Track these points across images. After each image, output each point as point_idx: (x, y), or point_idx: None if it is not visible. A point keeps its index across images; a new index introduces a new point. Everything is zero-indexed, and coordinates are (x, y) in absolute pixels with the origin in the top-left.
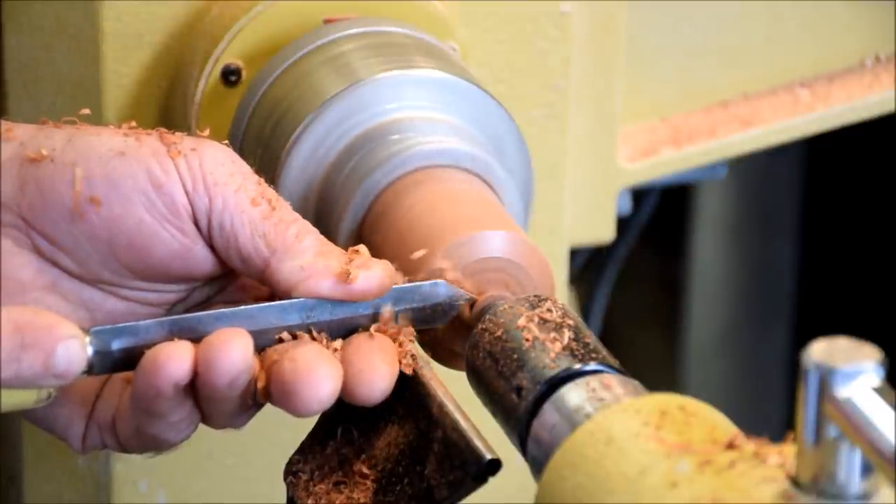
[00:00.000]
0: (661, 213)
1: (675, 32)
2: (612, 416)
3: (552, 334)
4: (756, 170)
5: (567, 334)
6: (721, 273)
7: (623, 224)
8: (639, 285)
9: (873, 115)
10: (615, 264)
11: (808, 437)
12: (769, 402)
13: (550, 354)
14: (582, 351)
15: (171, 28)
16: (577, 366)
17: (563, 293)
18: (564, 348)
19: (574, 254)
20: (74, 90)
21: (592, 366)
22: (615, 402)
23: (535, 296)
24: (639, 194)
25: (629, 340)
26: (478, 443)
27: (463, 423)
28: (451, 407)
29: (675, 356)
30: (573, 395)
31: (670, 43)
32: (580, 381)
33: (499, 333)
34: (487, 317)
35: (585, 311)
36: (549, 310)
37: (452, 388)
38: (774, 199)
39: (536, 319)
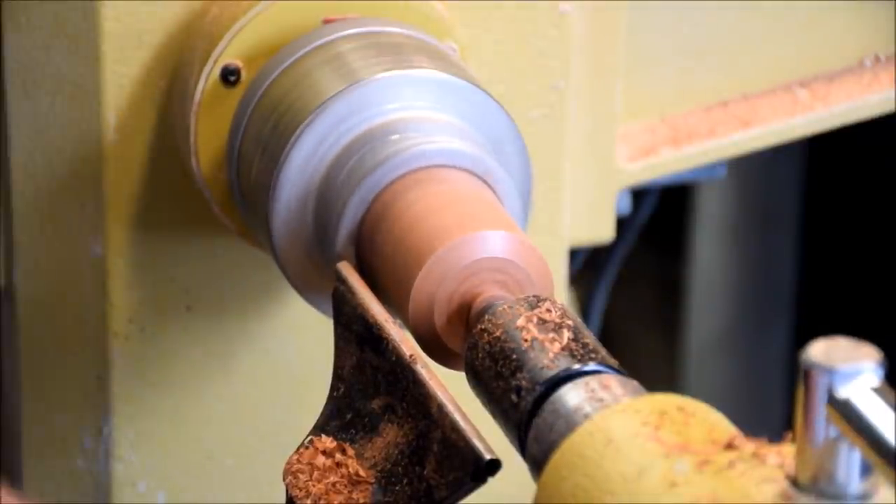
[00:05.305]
0: (660, 213)
1: (675, 32)
2: (611, 417)
3: (551, 334)
4: (756, 170)
5: (566, 334)
6: (721, 273)
7: (623, 224)
8: (639, 285)
9: (873, 115)
10: (615, 264)
11: (808, 437)
12: (769, 402)
13: (549, 355)
14: (581, 351)
15: (170, 28)
16: (577, 366)
17: (562, 293)
18: (563, 348)
19: (573, 254)
20: (74, 90)
21: (591, 366)
22: (614, 402)
23: (534, 296)
24: (638, 194)
25: (629, 340)
26: (477, 443)
27: (462, 424)
28: (450, 407)
29: (675, 356)
30: (572, 395)
31: (670, 43)
32: (579, 382)
33: (498, 334)
34: (486, 317)
35: (585, 311)
36: (548, 310)
37: (452, 388)
38: (774, 199)
39: (535, 320)
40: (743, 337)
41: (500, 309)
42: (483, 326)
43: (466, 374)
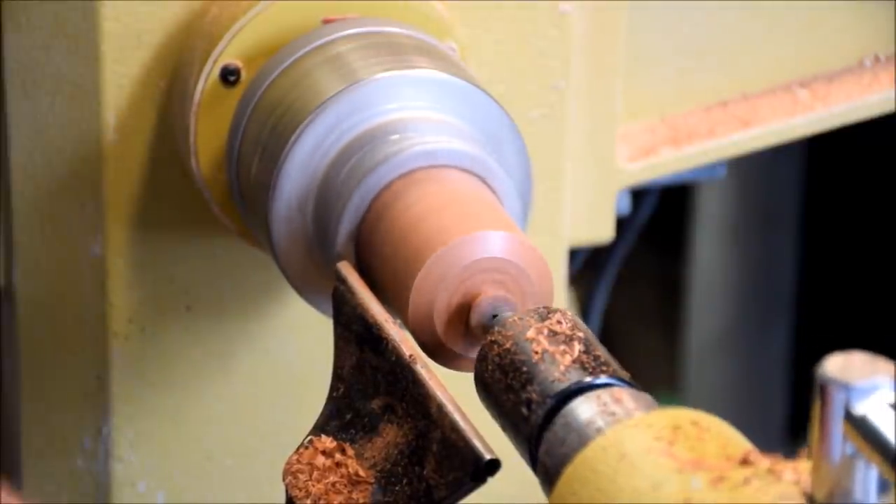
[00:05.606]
0: (660, 213)
1: (675, 32)
2: (624, 431)
3: (562, 346)
4: (756, 170)
5: (577, 346)
6: (721, 273)
7: (622, 224)
8: (639, 285)
9: (873, 115)
10: (615, 264)
11: (824, 453)
12: (769, 402)
13: (560, 367)
14: (592, 364)
15: (170, 28)
16: (588, 379)
17: (562, 293)
18: (574, 361)
19: (573, 254)
20: (73, 90)
21: (603, 379)
22: (626, 416)
23: (544, 307)
24: (638, 194)
25: (629, 340)
26: (477, 443)
27: (462, 424)
28: (450, 407)
29: (675, 356)
30: (584, 408)
31: (670, 43)
32: (591, 395)
33: (508, 346)
34: (496, 328)
35: (585, 311)
36: (558, 321)
37: (452, 388)
38: (774, 198)
39: (546, 331)
40: (743, 337)
41: (509, 320)
42: (493, 338)
43: (476, 386)
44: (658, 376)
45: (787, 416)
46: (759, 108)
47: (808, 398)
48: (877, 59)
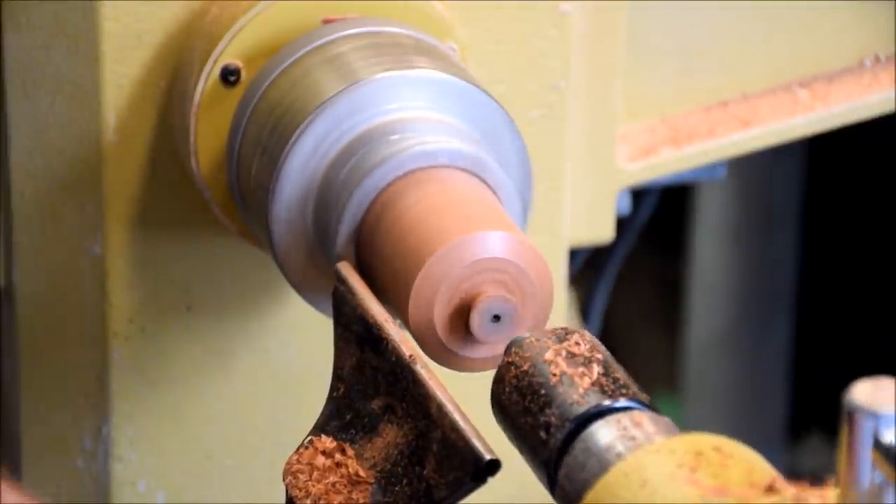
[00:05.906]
0: (660, 213)
1: (675, 32)
2: (646, 457)
3: (580, 369)
4: (756, 170)
5: (596, 369)
6: (721, 273)
7: (623, 224)
8: (639, 285)
9: (873, 116)
10: (615, 264)
11: (852, 482)
12: (769, 402)
13: (579, 390)
14: (612, 386)
15: (170, 28)
16: (607, 402)
17: (562, 293)
18: (593, 384)
19: (573, 254)
20: (73, 90)
21: (622, 402)
22: (647, 441)
23: (562, 328)
24: (638, 194)
25: (629, 340)
26: (477, 443)
27: (462, 424)
28: (450, 407)
29: (675, 356)
30: (603, 432)
31: (670, 43)
32: (610, 419)
33: (525, 367)
34: (513, 350)
35: (585, 311)
36: (576, 343)
37: (452, 389)
38: (775, 198)
39: (564, 353)
40: (743, 336)
41: (527, 341)
42: (510, 360)
43: (492, 408)
44: (658, 376)
45: (787, 416)
46: (759, 108)
47: (808, 398)
48: (877, 59)
